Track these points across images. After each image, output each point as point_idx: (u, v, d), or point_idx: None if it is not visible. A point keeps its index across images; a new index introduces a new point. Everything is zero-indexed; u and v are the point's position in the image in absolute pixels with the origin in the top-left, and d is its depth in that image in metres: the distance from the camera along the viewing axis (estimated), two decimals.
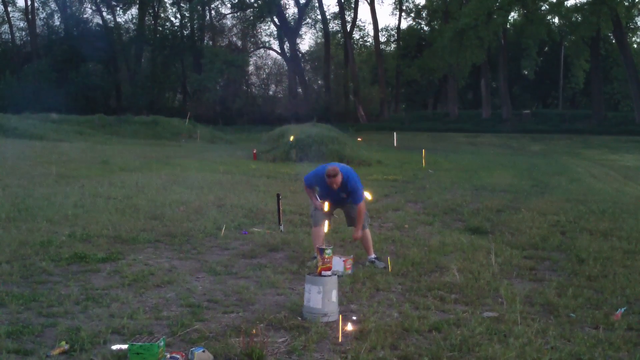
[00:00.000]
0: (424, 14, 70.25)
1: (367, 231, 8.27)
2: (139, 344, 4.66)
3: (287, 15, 65.47)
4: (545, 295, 6.72)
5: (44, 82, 56.50)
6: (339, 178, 7.77)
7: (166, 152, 27.66)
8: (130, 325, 5.44)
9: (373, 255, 8.15)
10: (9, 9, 67.50)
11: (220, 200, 13.01)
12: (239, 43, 68.23)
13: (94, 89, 59.38)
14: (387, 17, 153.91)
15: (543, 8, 54.21)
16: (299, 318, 5.82)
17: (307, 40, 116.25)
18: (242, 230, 10.08)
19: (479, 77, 59.06)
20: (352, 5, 65.79)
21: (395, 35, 70.38)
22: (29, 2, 64.87)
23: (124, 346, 4.86)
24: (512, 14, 57.52)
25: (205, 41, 66.70)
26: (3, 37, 69.28)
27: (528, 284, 7.35)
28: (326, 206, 8.05)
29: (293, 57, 64.40)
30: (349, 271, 7.48)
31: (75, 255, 7.79)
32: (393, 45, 72.21)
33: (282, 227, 9.92)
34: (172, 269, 7.55)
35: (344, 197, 8.06)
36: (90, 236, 9.03)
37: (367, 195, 8.39)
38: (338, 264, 7.27)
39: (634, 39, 61.00)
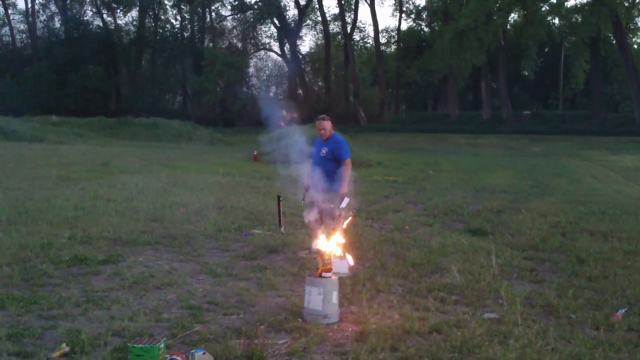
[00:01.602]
0: (424, 15, 70.25)
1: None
2: (140, 346, 4.66)
3: (287, 16, 65.49)
4: (545, 297, 6.71)
5: (44, 85, 56.55)
6: (328, 124, 8.44)
7: (166, 154, 27.66)
8: (130, 328, 5.44)
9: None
10: (9, 11, 67.64)
11: (221, 202, 13.01)
12: (239, 45, 68.23)
13: (94, 92, 59.39)
14: (387, 19, 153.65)
15: (543, 9, 54.16)
16: (300, 320, 5.82)
17: (307, 42, 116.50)
18: (243, 232, 10.08)
19: (479, 78, 59.03)
20: (352, 7, 65.82)
21: (396, 36, 70.35)
22: (29, 5, 65.04)
23: None
24: (512, 14, 57.49)
25: (206, 43, 66.69)
26: (3, 39, 69.36)
27: (528, 285, 7.35)
28: (306, 183, 8.60)
29: (293, 58, 64.39)
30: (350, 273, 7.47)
31: (76, 258, 7.79)
32: (393, 47, 72.18)
33: (282, 229, 9.91)
34: (173, 271, 7.55)
35: (323, 154, 8.34)
36: (91, 238, 9.04)
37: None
38: (341, 266, 7.29)
39: (634, 39, 60.96)
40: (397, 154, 32.34)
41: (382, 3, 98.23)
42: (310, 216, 8.39)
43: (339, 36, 68.12)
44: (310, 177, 8.50)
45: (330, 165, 8.36)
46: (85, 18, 67.18)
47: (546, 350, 5.16)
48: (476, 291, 6.87)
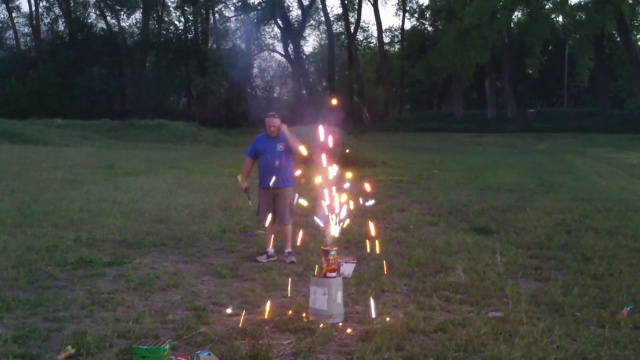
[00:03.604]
0: (427, 14, 70.17)
1: (289, 227, 8.59)
2: (145, 347, 4.67)
3: (290, 17, 65.49)
4: (550, 295, 6.70)
5: (48, 87, 56.68)
6: (278, 121, 8.51)
7: (171, 156, 27.69)
8: (135, 329, 5.45)
9: (288, 250, 8.49)
10: (14, 14, 67.82)
11: (225, 203, 13.03)
12: (243, 46, 68.24)
13: (98, 94, 59.51)
14: (391, 18, 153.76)
15: (547, 7, 54.12)
16: (305, 320, 5.82)
17: (311, 42, 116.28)
18: (248, 233, 10.10)
19: (483, 77, 59.01)
20: (356, 7, 65.82)
21: (399, 35, 70.36)
22: (34, 8, 65.20)
23: None
24: (516, 13, 57.45)
25: (209, 44, 66.76)
26: (8, 42, 69.49)
27: (533, 283, 7.34)
28: (245, 184, 8.90)
29: (297, 59, 64.38)
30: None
31: (81, 260, 7.82)
32: (397, 46, 72.25)
33: None
34: (178, 272, 7.56)
35: (280, 149, 8.45)
36: (96, 240, 9.06)
37: (303, 149, 8.35)
38: (348, 268, 7.33)
39: (638, 36, 60.78)
40: (402, 153, 32.31)
41: (386, 3, 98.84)
42: (267, 218, 8.44)
43: (343, 36, 68.12)
44: (263, 174, 8.51)
45: (286, 160, 8.49)
46: (89, 20, 67.39)
47: (551, 348, 5.15)
48: (481, 290, 6.87)
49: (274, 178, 8.38)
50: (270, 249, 8.47)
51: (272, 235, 8.56)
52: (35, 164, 20.58)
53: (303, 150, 8.26)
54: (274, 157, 8.44)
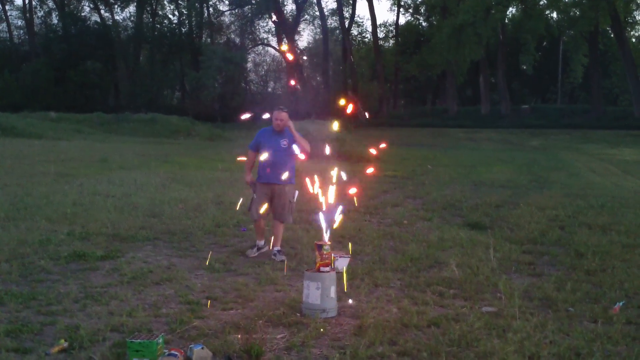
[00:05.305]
0: (422, 10, 70.16)
1: (282, 226, 8.52)
2: (138, 341, 4.66)
3: (285, 11, 65.39)
4: (544, 290, 6.72)
5: (42, 81, 56.47)
6: (285, 114, 8.26)
7: (165, 150, 27.63)
8: (129, 323, 5.44)
9: (277, 248, 8.34)
10: (7, 7, 67.52)
11: (219, 198, 13.02)
12: (237, 40, 68.14)
13: (92, 87, 59.33)
14: (386, 13, 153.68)
15: (541, 3, 54.18)
16: (298, 314, 5.83)
17: (305, 37, 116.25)
18: (241, 227, 10.09)
19: (478, 73, 58.98)
20: (350, 2, 65.72)
21: (394, 31, 70.33)
22: (27, 1, 64.87)
23: None
24: (511, 9, 57.47)
25: (204, 38, 66.62)
26: (1, 35, 69.22)
27: (527, 278, 7.35)
28: (250, 178, 8.55)
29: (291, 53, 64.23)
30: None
31: (74, 254, 7.79)
32: (391, 42, 72.17)
33: None
34: (171, 266, 7.55)
35: (284, 146, 8.24)
36: (89, 234, 9.04)
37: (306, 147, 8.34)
38: (343, 262, 7.31)
39: (632, 33, 60.94)
40: (396, 148, 32.29)
41: None
42: (259, 212, 8.30)
43: (337, 31, 68.05)
44: (264, 169, 8.29)
45: (288, 158, 8.27)
46: (82, 14, 67.15)
47: (544, 343, 5.16)
48: (475, 285, 6.88)
49: (272, 175, 8.22)
50: (260, 241, 8.44)
51: (262, 229, 8.50)
52: (28, 158, 20.52)
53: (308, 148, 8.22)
54: (276, 153, 8.21)
